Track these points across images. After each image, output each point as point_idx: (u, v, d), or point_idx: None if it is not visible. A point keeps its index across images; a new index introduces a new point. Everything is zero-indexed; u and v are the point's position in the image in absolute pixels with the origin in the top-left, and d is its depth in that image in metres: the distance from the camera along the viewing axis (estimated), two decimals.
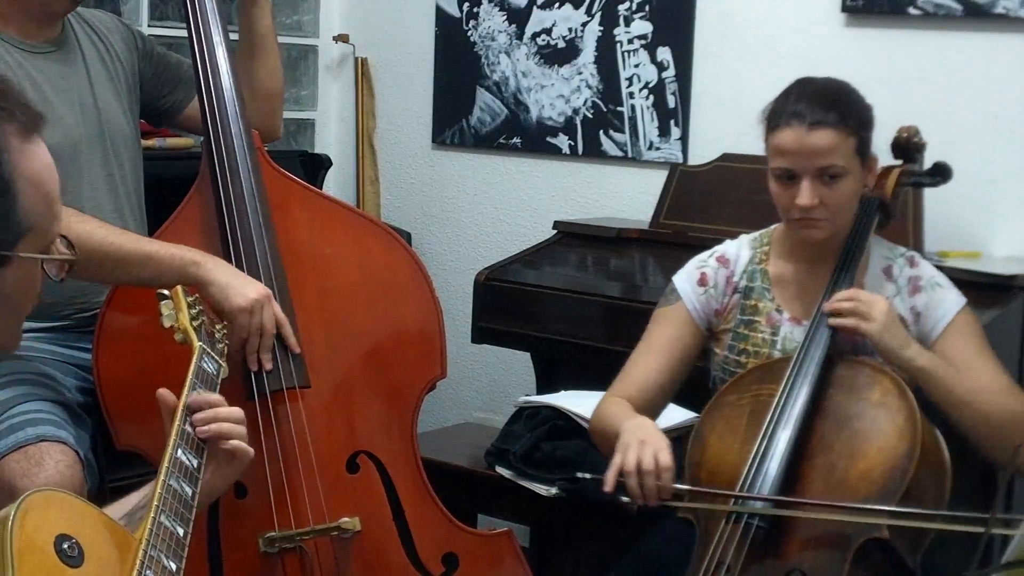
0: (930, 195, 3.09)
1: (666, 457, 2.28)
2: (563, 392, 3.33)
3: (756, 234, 2.62)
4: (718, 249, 2.63)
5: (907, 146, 2.63)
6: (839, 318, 2.37)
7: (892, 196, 2.55)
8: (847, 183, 2.41)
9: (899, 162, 2.63)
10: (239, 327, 2.40)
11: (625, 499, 2.30)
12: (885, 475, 2.23)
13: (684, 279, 2.60)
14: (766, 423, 2.31)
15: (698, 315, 2.58)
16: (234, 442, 1.95)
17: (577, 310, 3.40)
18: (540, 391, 3.54)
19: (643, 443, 2.30)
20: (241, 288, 2.42)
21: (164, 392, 1.97)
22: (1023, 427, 2.37)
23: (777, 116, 2.42)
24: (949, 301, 2.47)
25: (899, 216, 2.68)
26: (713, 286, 2.58)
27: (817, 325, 2.40)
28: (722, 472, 2.34)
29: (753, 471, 2.27)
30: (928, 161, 2.71)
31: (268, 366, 2.47)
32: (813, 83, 2.47)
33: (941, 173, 2.65)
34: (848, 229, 2.48)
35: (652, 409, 2.56)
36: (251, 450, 1.99)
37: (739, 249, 2.61)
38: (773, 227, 2.60)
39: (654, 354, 2.58)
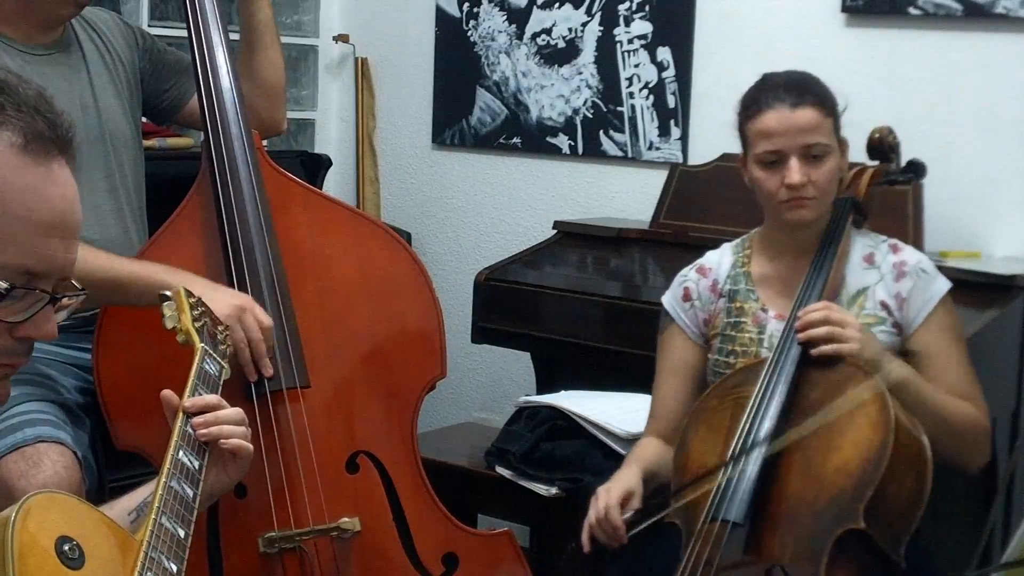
0: (930, 195, 3.10)
1: (610, 497, 2.40)
2: (563, 392, 3.33)
3: (738, 240, 2.65)
4: (699, 261, 2.66)
5: (881, 146, 2.65)
6: (818, 345, 2.36)
7: (866, 196, 2.57)
8: (830, 162, 2.45)
9: (875, 163, 2.64)
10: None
11: (608, 546, 2.42)
12: (861, 467, 2.23)
13: (671, 298, 2.65)
14: (743, 422, 2.32)
15: (690, 331, 2.61)
16: (234, 441, 1.94)
17: (577, 310, 3.40)
18: (540, 391, 3.54)
19: (597, 496, 2.43)
20: (216, 302, 2.36)
21: (168, 393, 1.96)
22: (977, 434, 2.43)
23: (755, 102, 2.47)
24: (934, 287, 2.49)
25: (900, 216, 2.69)
26: (697, 298, 2.61)
27: (793, 324, 2.40)
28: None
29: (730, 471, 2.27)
30: (924, 159, 2.71)
31: (268, 372, 2.46)
32: (779, 74, 2.53)
33: (914, 170, 2.66)
34: (825, 223, 2.49)
35: None
36: (251, 448, 1.99)
37: (721, 256, 2.64)
38: (754, 230, 2.63)
39: (668, 383, 2.64)
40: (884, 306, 2.48)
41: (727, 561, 2.21)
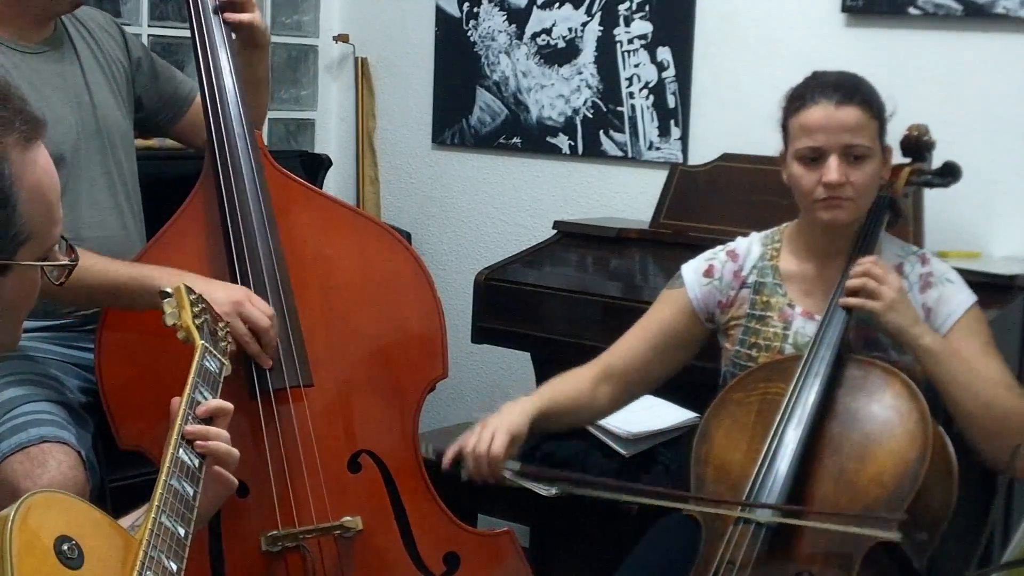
0: (930, 195, 3.09)
1: (498, 442, 2.42)
2: None
3: (768, 232, 2.63)
4: (729, 244, 2.64)
5: (917, 145, 2.64)
6: (850, 297, 2.37)
7: (902, 195, 2.56)
8: (870, 166, 2.42)
9: (908, 160, 2.63)
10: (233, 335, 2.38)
11: (463, 476, 2.46)
12: (896, 479, 2.23)
13: (691, 268, 2.63)
14: (776, 422, 2.31)
15: (698, 303, 2.59)
16: (224, 474, 1.94)
17: (577, 310, 3.40)
18: None
19: (486, 425, 2.46)
20: (213, 298, 2.35)
21: (177, 401, 1.96)
22: (1020, 426, 2.36)
23: (802, 97, 2.44)
24: (959, 298, 2.47)
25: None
26: (719, 278, 2.59)
27: (828, 323, 2.40)
28: (729, 470, 2.35)
29: (764, 470, 2.27)
30: (936, 160, 2.71)
31: (269, 364, 2.47)
32: (830, 72, 2.49)
33: (951, 173, 2.64)
34: (860, 225, 2.48)
35: (629, 383, 2.62)
36: (235, 481, 1.98)
37: (750, 245, 2.62)
38: (785, 225, 2.61)
39: (644, 330, 2.64)
40: None
41: (756, 564, 2.20)
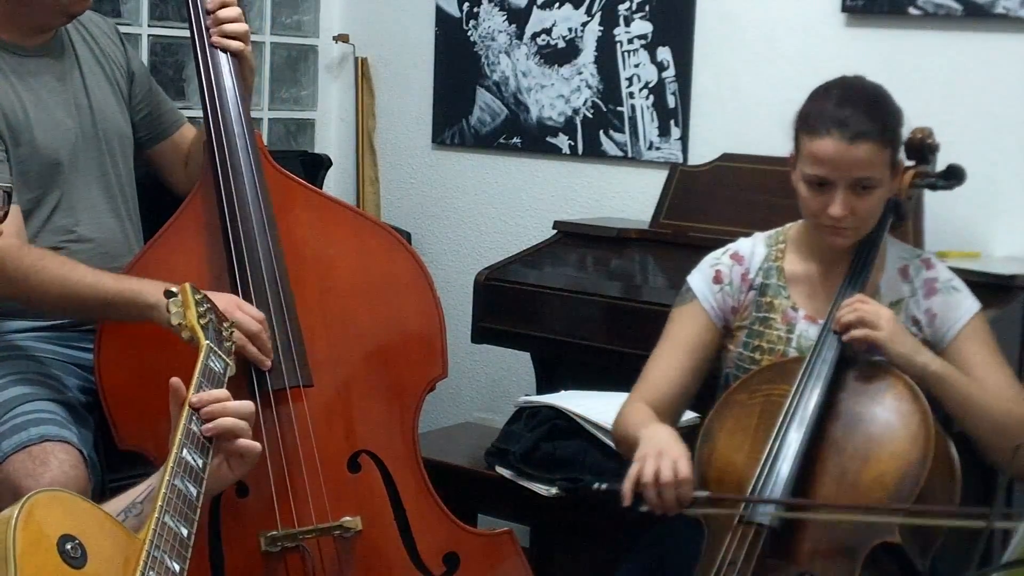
0: (930, 195, 3.09)
1: (685, 467, 2.28)
2: (563, 392, 3.33)
3: (772, 232, 2.61)
4: (731, 247, 2.62)
5: (921, 147, 2.63)
6: (848, 331, 2.35)
7: (906, 197, 2.55)
8: (878, 193, 2.40)
9: (912, 163, 2.63)
10: None
11: (643, 509, 2.30)
12: (898, 481, 2.22)
13: (699, 278, 2.59)
14: (778, 424, 2.30)
15: (714, 313, 2.57)
16: (243, 443, 1.95)
17: (577, 310, 3.40)
18: (540, 391, 3.54)
19: (661, 453, 2.30)
20: None
21: (176, 381, 1.97)
22: None
23: (817, 121, 2.38)
24: (964, 305, 2.47)
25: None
26: (728, 283, 2.57)
27: (830, 327, 2.39)
28: (731, 472, 2.34)
29: (765, 472, 2.26)
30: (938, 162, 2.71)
31: (268, 366, 2.47)
32: (854, 88, 2.44)
33: (955, 175, 2.64)
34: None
35: (674, 409, 2.56)
36: (259, 447, 2.00)
37: (754, 246, 2.60)
38: (789, 225, 2.59)
39: (672, 354, 2.57)
40: (915, 322, 2.46)
41: (758, 564, 2.20)
